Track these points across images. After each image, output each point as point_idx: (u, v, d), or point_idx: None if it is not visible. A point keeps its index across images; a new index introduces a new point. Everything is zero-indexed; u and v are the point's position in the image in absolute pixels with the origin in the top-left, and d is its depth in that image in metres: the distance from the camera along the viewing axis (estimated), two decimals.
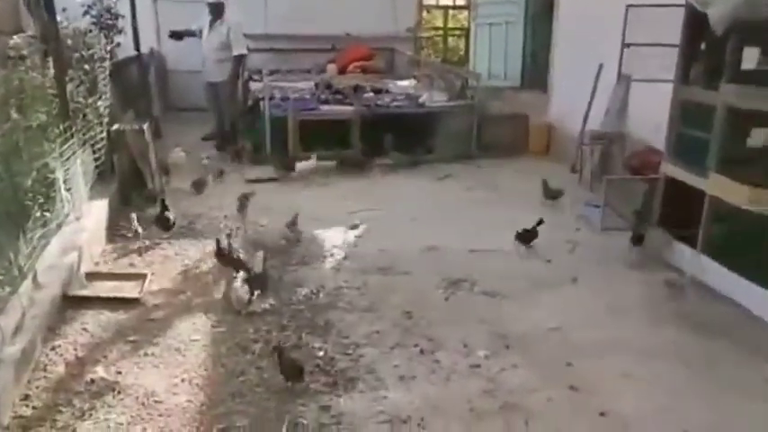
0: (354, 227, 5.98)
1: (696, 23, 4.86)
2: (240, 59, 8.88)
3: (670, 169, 5.18)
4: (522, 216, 6.34)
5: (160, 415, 3.24)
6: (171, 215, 5.54)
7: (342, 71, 10.76)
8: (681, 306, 4.49)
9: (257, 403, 3.36)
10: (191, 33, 9.11)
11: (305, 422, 3.20)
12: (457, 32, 14.60)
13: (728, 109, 4.52)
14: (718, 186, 4.61)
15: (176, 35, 9.22)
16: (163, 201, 5.66)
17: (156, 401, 3.34)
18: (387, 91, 9.33)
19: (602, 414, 3.30)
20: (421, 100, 8.96)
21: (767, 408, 3.36)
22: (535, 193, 6.87)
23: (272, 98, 8.28)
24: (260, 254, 4.99)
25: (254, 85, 9.55)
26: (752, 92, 4.37)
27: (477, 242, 5.60)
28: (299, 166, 7.67)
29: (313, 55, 11.61)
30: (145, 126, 6.52)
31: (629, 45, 6.61)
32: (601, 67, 7.58)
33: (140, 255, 5.18)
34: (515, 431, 3.16)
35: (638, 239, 5.38)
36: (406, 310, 4.39)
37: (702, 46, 5.02)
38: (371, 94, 9.08)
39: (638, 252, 5.27)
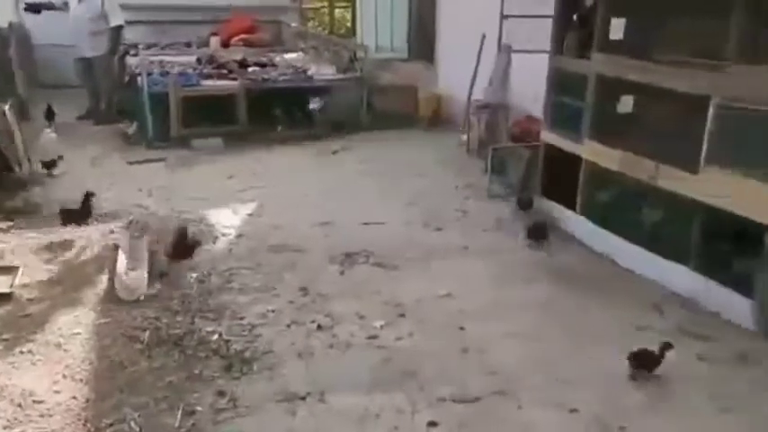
0: (245, 205, 5.85)
1: None
2: (118, 31, 8.36)
3: (549, 137, 5.43)
4: (412, 186, 6.47)
5: (41, 416, 3.03)
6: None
7: (225, 44, 10.38)
8: (561, 265, 4.74)
9: (148, 393, 3.23)
10: (49, 6, 8.43)
11: (200, 409, 3.11)
12: (343, 4, 14.47)
13: (598, 77, 4.77)
14: (592, 152, 4.89)
15: (33, 8, 8.51)
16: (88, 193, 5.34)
17: (35, 401, 3.12)
18: (273, 64, 9.12)
19: (493, 373, 3.45)
20: (309, 73, 8.84)
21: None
22: (423, 162, 7.00)
23: (150, 74, 7.87)
24: (144, 237, 4.77)
25: (130, 60, 9.03)
26: (619, 60, 4.63)
27: (370, 215, 5.64)
28: (197, 142, 7.39)
29: (194, 27, 11.10)
30: (6, 107, 6.01)
31: (507, 16, 6.82)
32: (483, 37, 7.77)
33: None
34: (412, 397, 3.23)
35: (524, 205, 5.63)
36: (302, 287, 4.36)
37: (575, 17, 5.25)
38: (257, 67, 8.84)
39: (524, 217, 5.50)
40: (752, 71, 3.65)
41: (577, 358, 3.58)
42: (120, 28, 8.38)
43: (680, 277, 4.19)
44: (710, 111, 3.87)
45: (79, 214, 5.19)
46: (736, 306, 3.85)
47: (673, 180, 4.19)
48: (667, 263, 4.29)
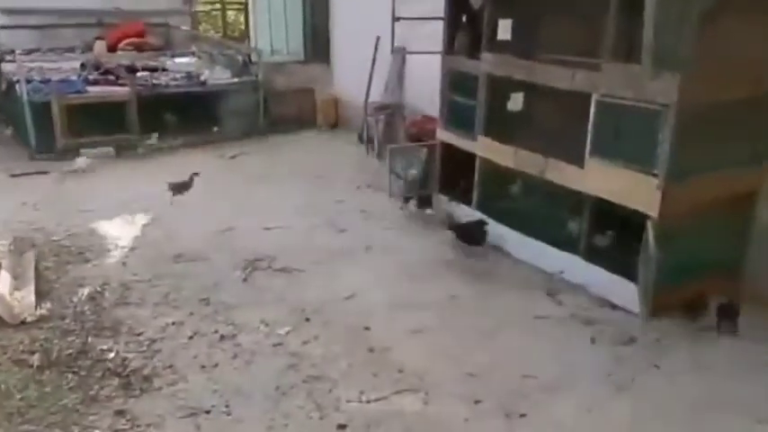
0: (139, 215, 5.62)
1: None
2: None
3: (444, 135, 5.56)
4: (314, 189, 6.45)
5: None
6: None
7: (112, 49, 9.90)
8: (460, 261, 4.86)
9: (40, 420, 3.05)
10: None
11: (97, 431, 2.96)
12: (236, 6, 14.16)
13: (488, 77, 4.95)
14: (486, 148, 5.06)
15: None
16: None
17: None
18: (164, 69, 8.79)
19: (400, 371, 3.49)
20: (202, 78, 8.62)
21: (536, 340, 3.80)
22: (324, 165, 6.99)
23: (29, 81, 7.39)
24: (29, 254, 4.48)
25: (6, 67, 8.44)
26: (507, 60, 4.81)
27: (272, 220, 5.57)
28: (78, 162, 7.03)
29: (78, 31, 10.54)
30: None
31: (398, 19, 6.92)
32: (378, 39, 7.84)
33: None
34: (320, 401, 3.22)
35: (423, 202, 5.73)
36: (203, 297, 4.25)
37: (464, 18, 5.40)
38: (147, 72, 8.51)
39: (423, 214, 5.60)
40: (623, 69, 3.89)
41: (480, 350, 3.69)
42: None
43: (572, 266, 4.41)
44: (592, 107, 4.10)
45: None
46: (623, 291, 4.09)
47: (561, 173, 4.41)
48: (560, 252, 4.50)
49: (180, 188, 5.81)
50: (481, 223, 5.00)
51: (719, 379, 3.41)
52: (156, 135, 7.78)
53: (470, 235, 4.96)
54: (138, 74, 8.41)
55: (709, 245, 4.09)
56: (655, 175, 3.73)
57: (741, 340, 3.76)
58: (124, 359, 3.53)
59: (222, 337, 3.79)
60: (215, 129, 8.24)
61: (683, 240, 3.95)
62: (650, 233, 3.79)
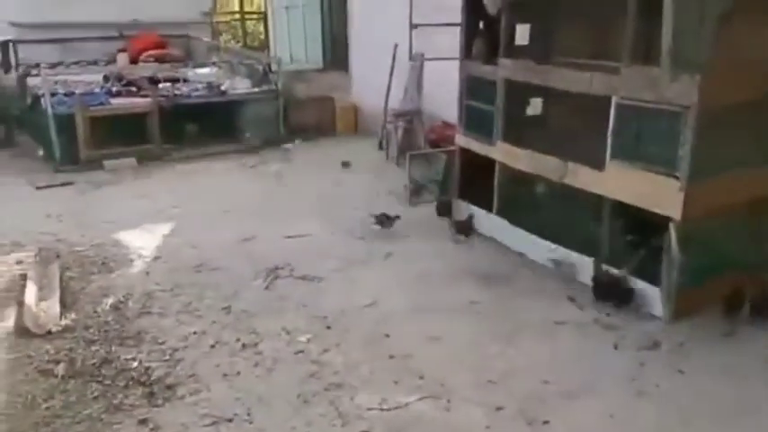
0: (162, 225, 5.69)
1: (474, 3, 5.21)
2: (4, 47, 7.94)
3: (463, 141, 5.55)
4: (334, 196, 6.48)
5: None
6: None
7: (134, 61, 10.10)
8: (481, 266, 4.84)
9: (66, 429, 3.09)
10: None
11: None
12: (255, 16, 14.33)
13: (506, 82, 4.93)
14: (505, 154, 5.04)
15: None
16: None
17: None
18: (185, 80, 8.92)
19: (421, 378, 3.48)
20: (223, 88, 8.73)
21: (558, 346, 3.77)
22: (343, 173, 7.02)
23: (54, 94, 7.54)
24: (54, 265, 4.56)
25: (32, 81, 8.61)
26: (525, 65, 4.79)
27: (292, 228, 5.59)
28: (109, 163, 7.14)
29: (100, 44, 10.76)
30: None
31: (416, 26, 6.94)
32: (396, 46, 7.87)
33: None
34: (342, 408, 3.22)
35: (443, 209, 5.73)
36: (225, 306, 4.28)
37: (481, 24, 5.40)
38: (168, 83, 8.63)
39: (444, 221, 5.60)
40: (642, 71, 3.86)
41: (501, 356, 3.67)
42: (5, 44, 7.93)
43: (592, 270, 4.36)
44: (612, 110, 4.07)
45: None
46: (645, 295, 4.05)
47: (581, 177, 4.38)
48: (580, 257, 4.46)
49: (386, 221, 5.46)
50: (470, 217, 5.43)
51: (745, 383, 3.35)
52: (202, 145, 7.83)
53: (463, 227, 5.38)
54: (160, 85, 8.54)
55: (731, 246, 4.03)
56: (676, 177, 3.69)
57: (765, 345, 3.69)
58: (147, 368, 3.56)
59: (244, 346, 3.81)
60: (247, 135, 8.29)
61: (706, 242, 3.90)
62: (673, 236, 3.74)
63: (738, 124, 3.73)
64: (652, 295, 3.99)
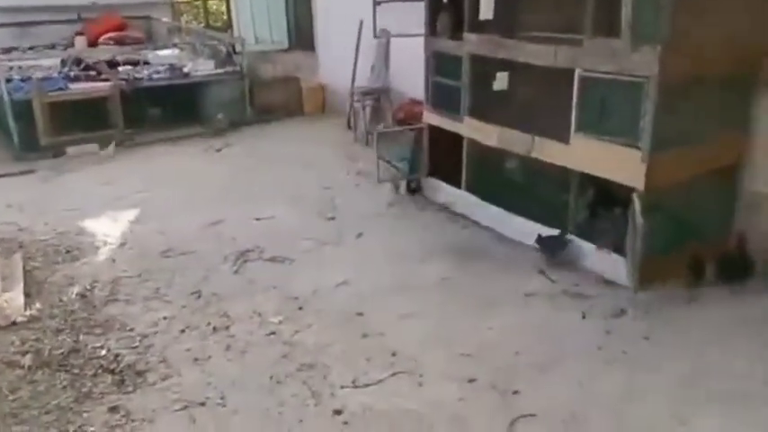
0: (127, 211, 5.59)
1: None
2: None
3: (431, 118, 5.54)
4: (303, 177, 6.43)
5: None
6: None
7: (93, 44, 9.83)
8: (452, 242, 4.87)
9: (35, 420, 3.04)
10: None
11: (92, 429, 2.96)
12: None
13: (472, 57, 4.92)
14: (472, 129, 5.04)
15: None
16: None
17: None
18: (146, 63, 8.71)
19: (394, 355, 3.50)
20: (186, 70, 8.55)
21: (528, 318, 3.81)
22: (312, 153, 6.96)
23: (9, 80, 7.31)
24: (17, 255, 4.45)
25: None
26: (489, 40, 4.78)
27: (261, 210, 5.55)
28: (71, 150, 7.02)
29: (57, 28, 10.44)
30: None
31: (380, 2, 6.86)
32: (361, 23, 7.78)
33: None
34: (315, 388, 3.23)
35: (413, 187, 5.72)
36: (194, 291, 4.24)
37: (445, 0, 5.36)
38: (129, 66, 8.43)
39: (414, 198, 5.60)
40: (604, 43, 3.88)
41: (473, 330, 3.70)
42: None
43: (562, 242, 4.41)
44: (575, 82, 4.09)
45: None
46: (612, 265, 4.11)
47: (547, 151, 4.41)
48: (548, 230, 4.50)
49: (554, 247, 4.41)
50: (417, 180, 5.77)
51: (708, 348, 3.43)
52: (113, 144, 7.66)
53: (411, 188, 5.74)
54: (120, 68, 8.34)
55: (695, 215, 4.12)
56: (639, 148, 3.74)
57: (728, 309, 3.78)
58: (117, 355, 3.52)
59: (215, 330, 3.78)
60: (219, 116, 8.17)
61: (670, 211, 3.98)
62: (637, 206, 3.80)
63: (699, 94, 3.79)
64: (618, 265, 4.06)
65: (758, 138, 4.14)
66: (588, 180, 4.20)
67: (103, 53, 8.87)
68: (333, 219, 5.40)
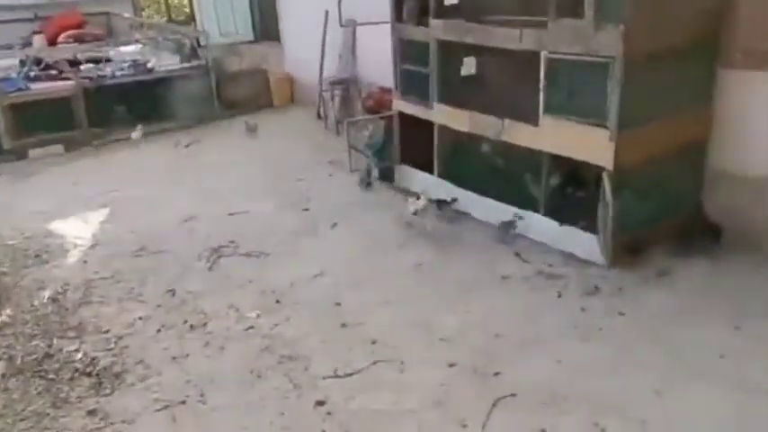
0: (97, 212, 5.51)
1: None
2: None
3: (401, 105, 5.53)
4: (274, 169, 6.39)
5: None
6: None
7: (52, 43, 9.60)
8: (427, 228, 4.87)
9: (11, 428, 2.99)
10: None
11: None
12: None
13: (439, 42, 4.91)
14: (443, 115, 5.05)
15: None
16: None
17: None
18: (108, 60, 8.55)
19: (373, 343, 3.50)
20: (150, 65, 8.41)
21: (505, 299, 3.85)
22: (283, 145, 6.92)
23: None
24: None
25: None
26: (456, 25, 4.78)
27: (234, 205, 5.50)
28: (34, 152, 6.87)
29: (14, 27, 10.17)
30: None
31: None
32: (327, 13, 7.72)
33: None
34: (296, 380, 3.22)
35: (386, 175, 5.72)
36: (169, 289, 4.19)
37: None
38: (90, 64, 8.26)
39: (387, 186, 5.60)
40: (569, 24, 3.90)
41: (451, 315, 3.72)
42: None
43: (534, 224, 4.46)
44: (542, 65, 4.11)
45: None
46: (585, 244, 4.16)
47: (517, 134, 4.43)
48: (522, 212, 4.54)
49: (505, 229, 4.53)
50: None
51: (681, 321, 3.49)
52: (140, 127, 7.62)
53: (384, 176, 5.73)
54: (82, 66, 8.17)
55: (665, 191, 4.18)
56: (606, 128, 3.78)
57: (699, 281, 3.86)
58: (93, 358, 3.47)
59: (192, 327, 3.75)
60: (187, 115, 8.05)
61: (640, 189, 4.03)
62: (606, 184, 3.84)
63: (662, 72, 3.83)
64: (591, 244, 4.11)
65: (720, 113, 4.22)
66: (559, 161, 4.23)
67: (64, 52, 8.67)
68: (307, 210, 5.38)
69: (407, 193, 5.35)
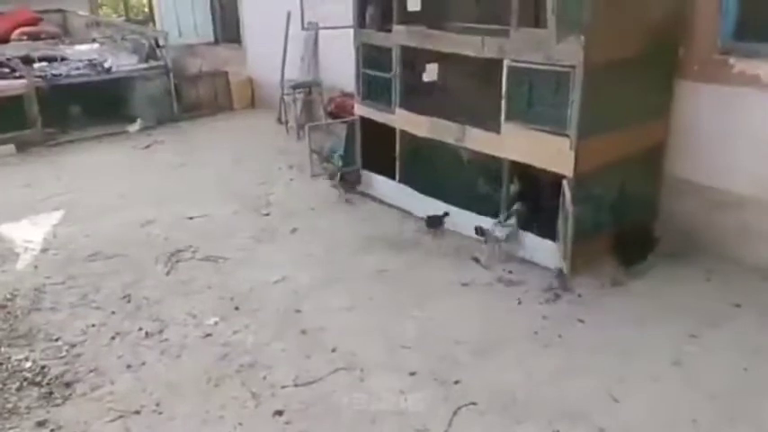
0: (49, 215, 5.33)
1: None
2: None
3: (363, 110, 5.51)
4: (234, 173, 6.31)
5: None
6: None
7: (4, 40, 9.28)
8: (387, 234, 4.86)
9: None
10: None
11: None
12: None
13: (401, 48, 4.91)
14: (405, 121, 5.05)
15: None
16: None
17: None
18: (63, 59, 8.31)
19: (333, 350, 3.47)
20: (107, 65, 8.19)
21: (465, 306, 3.86)
22: (243, 149, 6.84)
23: None
24: None
25: None
26: (418, 31, 4.79)
27: (193, 208, 5.39)
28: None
29: None
30: None
31: None
32: (289, 15, 7.66)
33: None
34: (255, 389, 3.16)
35: (349, 180, 5.68)
36: (124, 295, 4.09)
37: None
38: (44, 63, 8.02)
39: (348, 192, 5.57)
40: (531, 34, 3.95)
41: (412, 322, 3.72)
42: None
43: (495, 231, 4.47)
44: (503, 72, 4.15)
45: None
46: (545, 250, 4.20)
47: (479, 141, 4.46)
48: (482, 219, 4.56)
49: (436, 223, 4.82)
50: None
51: (637, 329, 3.56)
52: (139, 120, 7.39)
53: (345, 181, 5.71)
54: (36, 65, 7.91)
55: (623, 198, 4.26)
56: (567, 136, 3.83)
57: (657, 288, 3.94)
58: (42, 367, 3.35)
59: (147, 334, 3.66)
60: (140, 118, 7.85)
61: (599, 196, 4.10)
62: (567, 192, 3.89)
63: (623, 82, 3.90)
64: (551, 251, 4.15)
65: (676, 123, 4.33)
66: (520, 168, 4.27)
67: (17, 49, 8.38)
68: (267, 215, 5.31)
69: (371, 197, 5.34)
